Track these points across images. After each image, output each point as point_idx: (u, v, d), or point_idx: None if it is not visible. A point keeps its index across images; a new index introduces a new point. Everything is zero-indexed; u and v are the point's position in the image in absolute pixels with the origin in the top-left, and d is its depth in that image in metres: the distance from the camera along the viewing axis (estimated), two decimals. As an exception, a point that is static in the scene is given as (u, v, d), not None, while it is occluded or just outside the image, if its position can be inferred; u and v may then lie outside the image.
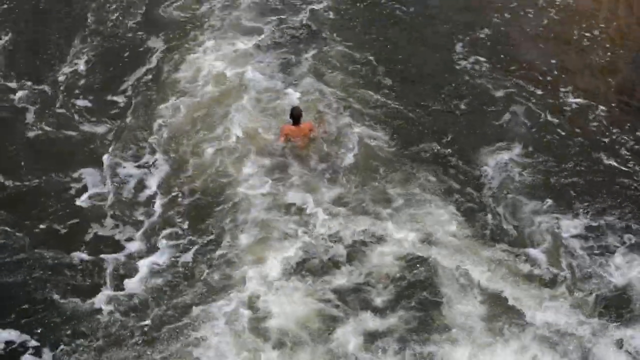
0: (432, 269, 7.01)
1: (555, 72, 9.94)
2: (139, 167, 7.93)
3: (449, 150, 8.59)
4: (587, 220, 7.64)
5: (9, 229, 7.11)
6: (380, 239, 7.32)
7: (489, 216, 7.70)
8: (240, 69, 9.51)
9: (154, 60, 9.63)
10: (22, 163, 7.80)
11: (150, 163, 7.94)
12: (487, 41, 10.46)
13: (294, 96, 9.07)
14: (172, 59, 9.70)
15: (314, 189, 7.87)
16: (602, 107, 9.28)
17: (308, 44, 10.20)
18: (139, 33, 10.17)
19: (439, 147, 8.63)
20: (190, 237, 7.21)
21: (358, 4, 11.11)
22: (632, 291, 6.89)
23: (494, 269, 7.09)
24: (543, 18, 10.95)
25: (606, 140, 8.80)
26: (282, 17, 10.76)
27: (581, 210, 7.77)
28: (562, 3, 11.15)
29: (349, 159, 8.32)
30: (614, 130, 8.91)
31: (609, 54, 10.26)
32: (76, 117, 8.43)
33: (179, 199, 7.59)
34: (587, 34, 10.59)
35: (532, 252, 7.32)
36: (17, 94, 8.71)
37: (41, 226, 7.20)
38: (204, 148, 8.26)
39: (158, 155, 8.06)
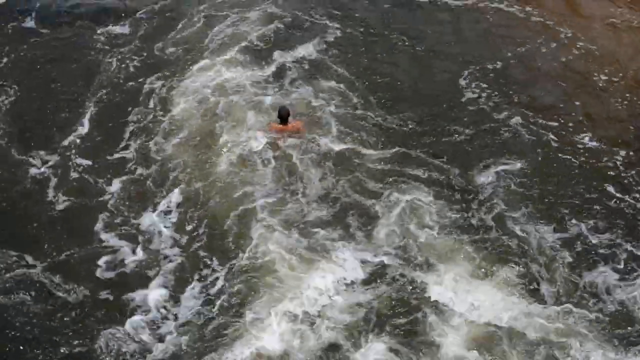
0: (420, 275, 7.22)
1: (569, 110, 9.52)
2: (156, 213, 8.01)
3: (446, 163, 8.59)
4: (582, 238, 7.71)
5: (41, 294, 7.13)
6: (368, 240, 7.61)
7: (483, 225, 7.83)
8: (241, 96, 9.54)
9: (155, 103, 9.51)
10: (45, 237, 7.69)
11: (165, 206, 8.07)
12: (497, 74, 10.15)
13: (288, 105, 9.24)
14: (171, 96, 9.62)
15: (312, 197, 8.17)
16: (615, 149, 8.88)
17: (312, 69, 10.15)
18: (140, 79, 9.96)
19: (433, 159, 8.65)
20: (213, 269, 7.36)
21: (367, 37, 10.92)
22: (619, 306, 7.06)
23: (481, 276, 7.24)
24: (561, 57, 10.51)
25: (612, 173, 8.52)
26: (288, 44, 10.66)
27: (576, 227, 7.83)
28: (583, 46, 10.66)
29: (344, 162, 8.58)
30: (624, 168, 8.57)
31: (627, 100, 9.70)
32: (90, 180, 8.39)
33: (195, 233, 7.75)
34: (605, 77, 10.10)
35: (521, 262, 7.45)
36: (30, 165, 8.54)
37: (70, 291, 7.20)
38: (211, 174, 8.44)
39: (170, 197, 8.18)
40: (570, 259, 7.43)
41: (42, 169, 8.42)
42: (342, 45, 10.66)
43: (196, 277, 7.28)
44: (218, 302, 7.02)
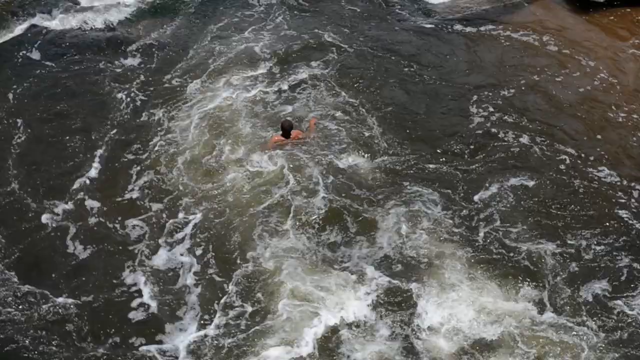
0: (418, 282, 7.34)
1: (585, 140, 9.15)
2: (173, 246, 7.94)
3: (451, 180, 8.56)
4: (585, 256, 7.64)
5: (68, 340, 7.05)
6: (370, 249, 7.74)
7: (486, 238, 7.84)
8: (249, 116, 9.54)
9: (163, 135, 9.36)
10: (70, 284, 7.60)
11: (181, 237, 8.02)
12: (510, 101, 9.84)
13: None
14: (179, 126, 9.51)
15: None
16: (632, 184, 8.49)
17: (320, 88, 10.10)
18: (148, 111, 9.80)
19: (437, 174, 8.64)
20: (232, 292, 7.40)
21: (377, 60, 10.81)
22: (617, 322, 7.00)
23: (480, 285, 7.29)
24: (579, 87, 10.11)
25: (623, 201, 8.26)
26: (297, 64, 10.64)
27: (579, 246, 7.75)
28: (602, 78, 10.26)
29: (348, 173, 8.65)
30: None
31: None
32: (107, 223, 8.25)
33: (211, 257, 7.78)
34: (624, 112, 9.62)
35: (522, 274, 7.44)
36: (46, 214, 8.32)
37: (98, 335, 7.12)
38: (219, 196, 8.48)
39: (184, 227, 8.11)
40: (571, 275, 7.38)
41: (59, 217, 8.25)
42: (352, 67, 10.60)
43: (217, 304, 7.28)
44: (242, 323, 7.07)
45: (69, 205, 8.38)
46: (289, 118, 9.25)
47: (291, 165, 8.66)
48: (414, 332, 6.88)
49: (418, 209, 8.10)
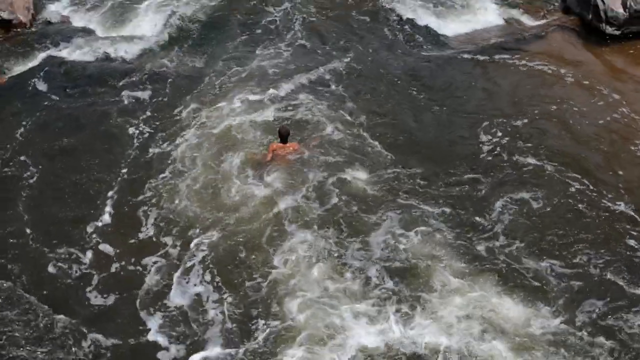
0: (417, 294, 7.40)
1: (603, 172, 8.89)
2: (189, 280, 7.85)
3: (458, 199, 8.57)
4: (589, 274, 7.60)
5: None
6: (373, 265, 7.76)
7: (490, 253, 7.86)
8: (259, 138, 9.56)
9: (173, 166, 9.27)
10: (93, 326, 7.50)
11: (197, 269, 7.95)
12: (523, 130, 9.68)
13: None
14: (188, 155, 9.39)
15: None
16: None
17: (329, 106, 10.13)
18: (158, 144, 9.67)
19: (443, 193, 8.66)
20: (252, 316, 7.44)
21: (389, 84, 10.79)
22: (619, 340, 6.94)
23: (482, 298, 7.32)
24: (598, 119, 9.86)
25: (635, 233, 8.05)
26: (308, 83, 10.71)
27: (585, 266, 7.69)
28: (623, 111, 9.97)
29: (351, 188, 8.69)
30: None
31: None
32: (125, 266, 8.12)
33: (225, 288, 7.74)
34: (644, 151, 9.33)
35: (524, 289, 7.45)
36: (63, 264, 8.15)
37: None
38: (225, 220, 8.47)
39: (200, 259, 8.03)
40: (574, 293, 7.34)
41: (76, 263, 8.06)
42: (363, 89, 10.64)
43: (239, 329, 7.25)
44: (265, 338, 7.09)
45: (85, 251, 8.19)
46: (285, 124, 9.39)
47: (295, 176, 8.73)
48: (415, 337, 6.92)
49: (421, 221, 8.15)
